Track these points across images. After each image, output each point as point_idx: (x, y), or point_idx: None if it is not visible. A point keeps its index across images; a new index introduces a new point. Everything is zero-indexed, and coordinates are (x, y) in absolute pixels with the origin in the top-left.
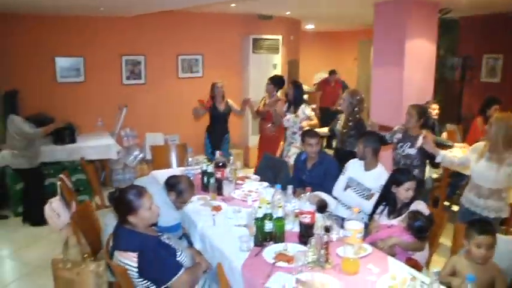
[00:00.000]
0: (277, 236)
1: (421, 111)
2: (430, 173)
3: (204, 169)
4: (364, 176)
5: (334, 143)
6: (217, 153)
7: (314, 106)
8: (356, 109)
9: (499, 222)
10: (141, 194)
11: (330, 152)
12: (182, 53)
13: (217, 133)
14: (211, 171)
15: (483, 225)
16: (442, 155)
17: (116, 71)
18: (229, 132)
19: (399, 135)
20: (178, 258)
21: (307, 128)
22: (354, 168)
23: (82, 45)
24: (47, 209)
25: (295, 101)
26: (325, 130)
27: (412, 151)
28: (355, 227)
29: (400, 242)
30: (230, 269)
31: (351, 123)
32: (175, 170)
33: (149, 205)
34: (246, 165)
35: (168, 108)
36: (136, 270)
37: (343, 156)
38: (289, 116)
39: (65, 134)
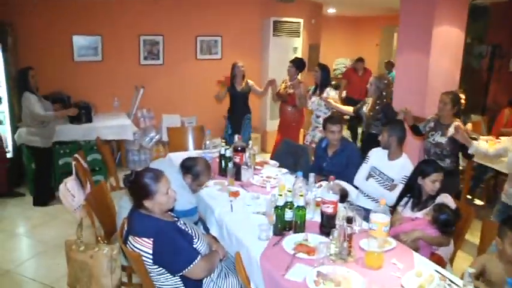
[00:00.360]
0: (298, 226)
1: (456, 99)
2: None
3: (222, 153)
4: (387, 166)
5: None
6: (236, 137)
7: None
8: (384, 93)
9: None
10: (158, 178)
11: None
12: (201, 34)
13: (238, 113)
14: (230, 156)
15: None
16: (475, 146)
17: (133, 51)
18: (251, 112)
19: (432, 124)
20: (195, 245)
21: (330, 100)
22: (377, 157)
23: (100, 24)
24: (62, 188)
25: (321, 84)
26: (350, 109)
27: (443, 140)
28: (381, 219)
29: (424, 236)
30: (248, 259)
31: (378, 107)
32: (192, 153)
33: (166, 190)
34: (263, 150)
35: (186, 90)
36: (151, 257)
37: (369, 139)
38: (314, 99)
39: (82, 114)
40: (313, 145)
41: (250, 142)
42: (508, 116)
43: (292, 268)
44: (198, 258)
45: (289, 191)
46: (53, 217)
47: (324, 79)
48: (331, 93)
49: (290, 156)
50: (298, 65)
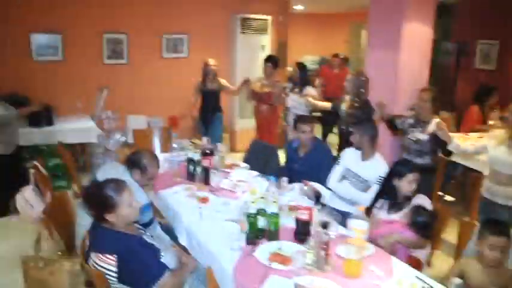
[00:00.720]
0: (272, 233)
1: (435, 95)
2: None
3: (189, 157)
4: (361, 167)
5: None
6: (204, 139)
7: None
8: (362, 90)
9: None
10: (121, 189)
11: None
12: (167, 32)
13: (208, 111)
14: (198, 159)
15: (497, 226)
16: (455, 143)
17: (96, 50)
18: (222, 111)
19: (411, 121)
20: (162, 260)
21: (310, 99)
22: (350, 158)
23: (60, 21)
24: (19, 198)
25: (301, 83)
26: (328, 105)
27: (424, 136)
28: (360, 227)
29: (402, 239)
30: (221, 271)
31: (356, 104)
32: (158, 156)
33: (130, 201)
34: (232, 149)
35: (152, 90)
36: (115, 275)
37: (348, 137)
38: (295, 97)
39: (41, 116)
40: None
41: (219, 144)
42: (477, 115)
43: (267, 280)
44: (165, 274)
45: (262, 198)
46: (9, 229)
47: (302, 78)
48: (311, 92)
49: (259, 158)
50: (274, 62)
